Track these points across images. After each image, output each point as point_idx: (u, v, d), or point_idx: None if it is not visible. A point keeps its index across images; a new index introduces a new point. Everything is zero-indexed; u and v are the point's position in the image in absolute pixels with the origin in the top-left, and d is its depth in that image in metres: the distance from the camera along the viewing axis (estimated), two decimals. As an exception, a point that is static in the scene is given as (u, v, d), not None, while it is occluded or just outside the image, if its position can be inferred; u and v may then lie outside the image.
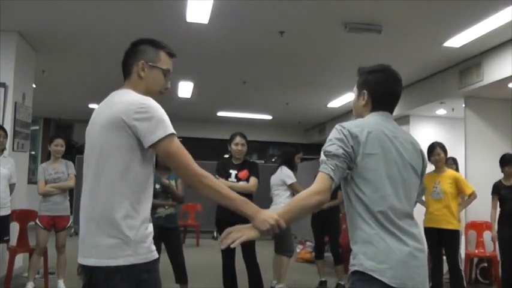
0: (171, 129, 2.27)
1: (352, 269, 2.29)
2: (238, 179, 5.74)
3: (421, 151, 2.54)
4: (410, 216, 2.37)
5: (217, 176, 5.73)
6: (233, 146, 5.86)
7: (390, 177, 2.32)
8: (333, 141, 2.31)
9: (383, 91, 2.52)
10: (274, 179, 6.86)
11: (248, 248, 5.59)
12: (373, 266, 2.20)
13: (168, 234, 5.45)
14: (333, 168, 2.25)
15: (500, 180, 6.74)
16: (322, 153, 2.35)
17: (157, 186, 5.46)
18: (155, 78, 2.51)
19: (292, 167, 6.90)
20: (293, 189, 6.69)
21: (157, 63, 2.51)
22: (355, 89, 2.62)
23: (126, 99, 2.31)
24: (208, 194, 2.31)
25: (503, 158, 6.74)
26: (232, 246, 2.19)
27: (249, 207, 2.31)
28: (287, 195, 6.69)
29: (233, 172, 5.78)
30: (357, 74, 2.61)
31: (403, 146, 2.41)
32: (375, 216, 2.26)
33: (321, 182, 2.26)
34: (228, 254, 5.68)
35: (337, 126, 2.38)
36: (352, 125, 2.38)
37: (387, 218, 2.26)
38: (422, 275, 2.28)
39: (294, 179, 6.75)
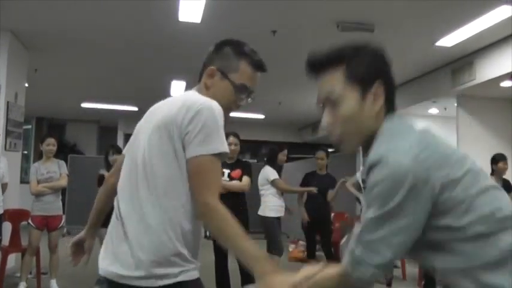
0: (216, 149, 1.85)
1: None
2: (231, 178, 5.76)
3: None
4: None
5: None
6: (226, 146, 5.86)
7: None
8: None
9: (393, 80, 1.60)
10: (260, 179, 6.90)
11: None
12: None
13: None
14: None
15: None
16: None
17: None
18: (224, 92, 2.05)
19: (275, 165, 6.90)
20: (275, 186, 6.73)
21: (231, 74, 2.05)
22: (340, 88, 1.53)
23: (188, 98, 1.95)
24: (213, 231, 1.90)
25: (494, 157, 6.74)
26: None
27: (258, 265, 1.75)
28: (270, 192, 6.73)
29: (226, 171, 5.79)
30: (333, 57, 1.57)
31: None
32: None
33: None
34: (221, 254, 5.68)
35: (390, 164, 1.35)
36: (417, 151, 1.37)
37: None
38: None
39: (276, 176, 6.77)
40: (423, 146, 1.38)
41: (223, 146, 1.87)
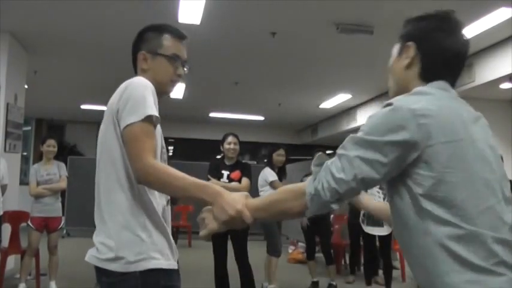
0: (144, 113, 1.89)
1: None
2: (230, 179, 5.75)
3: None
4: None
5: (209, 176, 5.74)
6: (226, 145, 5.86)
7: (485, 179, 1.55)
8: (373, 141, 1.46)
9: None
10: (259, 180, 6.88)
11: (240, 248, 5.60)
12: None
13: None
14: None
15: None
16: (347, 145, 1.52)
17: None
18: (160, 68, 2.16)
19: (272, 164, 6.88)
20: (273, 188, 6.72)
21: (161, 50, 2.16)
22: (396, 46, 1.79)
23: (120, 85, 2.04)
24: (159, 189, 1.95)
25: None
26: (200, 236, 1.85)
27: (206, 191, 1.80)
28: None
29: (225, 173, 5.79)
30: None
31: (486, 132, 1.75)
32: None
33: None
34: (220, 255, 5.67)
35: (396, 105, 1.47)
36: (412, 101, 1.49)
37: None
38: None
39: (275, 177, 6.75)
40: (429, 112, 1.44)
41: (150, 110, 1.90)
